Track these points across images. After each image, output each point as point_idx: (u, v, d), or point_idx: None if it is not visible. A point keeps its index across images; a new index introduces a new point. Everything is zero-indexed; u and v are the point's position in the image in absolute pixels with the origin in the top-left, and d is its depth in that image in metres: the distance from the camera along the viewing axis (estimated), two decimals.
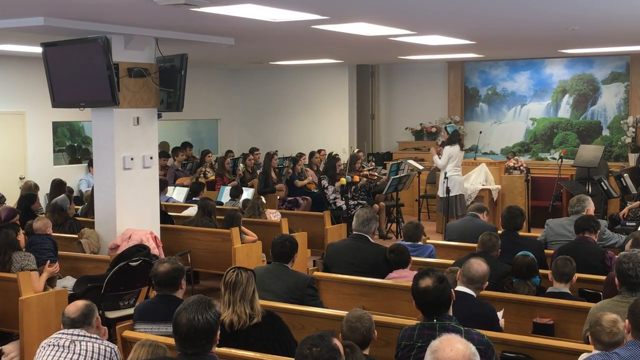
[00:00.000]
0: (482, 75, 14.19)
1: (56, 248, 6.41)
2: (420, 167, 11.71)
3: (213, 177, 11.95)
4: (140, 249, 6.44)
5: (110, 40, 6.92)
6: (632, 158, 12.47)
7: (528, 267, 5.19)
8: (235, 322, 3.93)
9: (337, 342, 2.92)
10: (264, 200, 9.27)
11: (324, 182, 10.53)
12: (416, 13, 7.00)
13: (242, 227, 7.87)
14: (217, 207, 8.83)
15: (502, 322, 4.54)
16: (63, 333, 3.86)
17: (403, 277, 5.41)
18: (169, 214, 8.79)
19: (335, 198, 10.43)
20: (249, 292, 3.98)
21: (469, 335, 3.45)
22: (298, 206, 10.76)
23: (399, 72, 14.99)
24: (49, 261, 6.09)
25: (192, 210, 9.17)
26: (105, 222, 7.37)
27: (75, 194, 10.82)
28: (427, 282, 3.61)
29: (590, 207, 6.54)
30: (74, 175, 11.77)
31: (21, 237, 6.15)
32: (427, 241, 6.66)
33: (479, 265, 4.46)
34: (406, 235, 6.31)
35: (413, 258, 5.84)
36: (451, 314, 3.66)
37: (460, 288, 4.37)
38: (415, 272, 5.33)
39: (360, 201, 10.37)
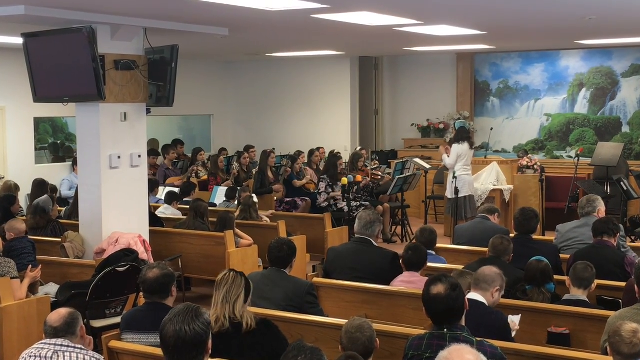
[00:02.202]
0: (493, 68, 14.19)
1: (35, 251, 6.41)
2: (427, 166, 11.71)
3: (205, 177, 11.95)
4: (127, 254, 6.44)
5: (95, 30, 6.92)
6: None
7: (542, 273, 5.19)
8: (212, 324, 3.91)
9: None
10: (256, 199, 9.26)
11: (322, 185, 10.49)
12: (423, 1, 7.01)
13: (237, 230, 7.88)
14: (210, 209, 8.82)
15: (516, 326, 4.54)
16: (45, 343, 3.86)
17: (411, 284, 5.40)
18: (159, 216, 8.79)
19: (330, 204, 10.37)
20: (232, 294, 3.98)
21: (481, 347, 3.45)
22: (296, 207, 10.76)
23: (405, 65, 14.98)
24: (30, 266, 6.09)
25: (163, 210, 9.14)
26: (91, 225, 7.36)
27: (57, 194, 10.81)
28: (439, 288, 3.60)
29: (602, 207, 6.55)
30: (56, 175, 11.76)
31: (0, 242, 6.15)
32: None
33: (487, 268, 4.54)
34: (421, 242, 6.29)
35: None
36: (464, 323, 3.65)
37: (470, 295, 4.37)
38: (425, 279, 5.36)
39: (363, 202, 10.37)
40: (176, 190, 10.52)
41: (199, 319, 3.18)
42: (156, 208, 9.37)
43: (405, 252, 5.58)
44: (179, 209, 9.46)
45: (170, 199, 9.41)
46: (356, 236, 5.90)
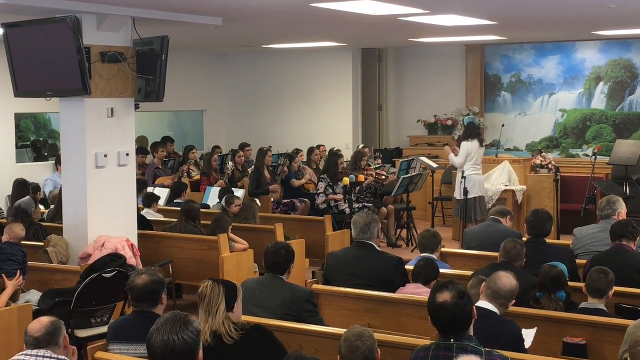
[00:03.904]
0: (504, 61, 14.19)
1: (25, 262, 6.41)
2: (435, 165, 11.71)
3: (198, 177, 11.95)
4: (115, 259, 6.44)
5: (80, 20, 6.91)
6: None
7: (553, 280, 5.19)
8: None
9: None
10: (259, 203, 9.25)
11: (321, 186, 10.48)
12: None
13: (231, 234, 7.87)
14: (203, 210, 8.82)
15: (530, 342, 4.53)
16: (26, 354, 3.86)
17: (418, 295, 5.40)
18: (148, 218, 8.78)
19: (331, 206, 10.36)
20: (212, 305, 3.98)
21: (490, 358, 3.46)
22: (295, 209, 10.76)
23: (410, 57, 14.98)
24: (19, 272, 6.11)
25: (143, 215, 9.11)
26: (75, 228, 7.36)
27: (41, 195, 10.81)
28: (445, 296, 3.60)
29: (622, 210, 6.55)
30: (39, 174, 11.76)
31: None
32: (443, 249, 6.66)
33: (507, 279, 4.47)
34: (422, 244, 6.30)
35: None
36: (472, 333, 3.65)
37: (481, 304, 4.36)
38: None
39: (366, 204, 10.36)
40: (165, 190, 10.53)
41: (188, 327, 3.18)
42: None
43: (418, 263, 5.60)
44: (167, 211, 9.46)
45: (150, 201, 9.32)
46: (356, 241, 5.88)
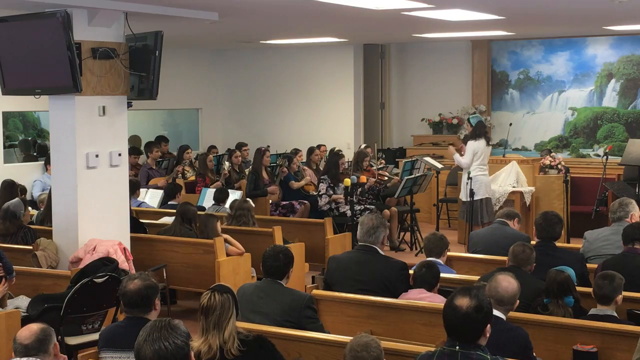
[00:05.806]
0: (512, 57, 14.20)
1: (1, 257, 6.40)
2: (439, 166, 11.71)
3: (193, 178, 11.96)
4: (106, 263, 6.44)
5: (70, 15, 6.92)
6: None
7: (559, 285, 5.19)
8: (204, 353, 3.91)
9: None
10: (252, 204, 9.26)
11: (322, 187, 10.49)
12: None
13: (227, 237, 7.86)
14: (199, 213, 8.81)
15: None
16: None
17: (421, 300, 5.41)
18: (141, 221, 8.79)
19: (332, 207, 10.38)
20: (223, 320, 3.97)
21: None
22: (294, 212, 10.77)
23: (414, 53, 14.99)
24: (4, 279, 6.10)
25: (169, 219, 9.14)
26: (65, 231, 7.36)
27: (29, 197, 10.82)
28: (462, 302, 3.57)
29: (635, 212, 6.57)
30: (28, 175, 11.76)
31: None
32: (448, 254, 6.66)
33: (508, 283, 4.47)
34: (427, 248, 6.30)
35: None
36: (484, 344, 3.63)
37: None
38: (436, 295, 5.38)
39: (368, 206, 10.37)
40: (159, 192, 10.53)
41: (176, 331, 3.19)
42: (138, 212, 9.37)
43: (419, 268, 5.60)
44: (162, 213, 9.45)
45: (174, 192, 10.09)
46: (359, 244, 5.90)
